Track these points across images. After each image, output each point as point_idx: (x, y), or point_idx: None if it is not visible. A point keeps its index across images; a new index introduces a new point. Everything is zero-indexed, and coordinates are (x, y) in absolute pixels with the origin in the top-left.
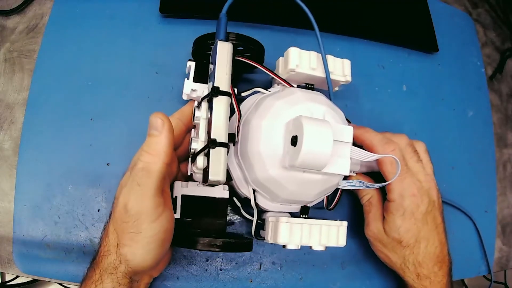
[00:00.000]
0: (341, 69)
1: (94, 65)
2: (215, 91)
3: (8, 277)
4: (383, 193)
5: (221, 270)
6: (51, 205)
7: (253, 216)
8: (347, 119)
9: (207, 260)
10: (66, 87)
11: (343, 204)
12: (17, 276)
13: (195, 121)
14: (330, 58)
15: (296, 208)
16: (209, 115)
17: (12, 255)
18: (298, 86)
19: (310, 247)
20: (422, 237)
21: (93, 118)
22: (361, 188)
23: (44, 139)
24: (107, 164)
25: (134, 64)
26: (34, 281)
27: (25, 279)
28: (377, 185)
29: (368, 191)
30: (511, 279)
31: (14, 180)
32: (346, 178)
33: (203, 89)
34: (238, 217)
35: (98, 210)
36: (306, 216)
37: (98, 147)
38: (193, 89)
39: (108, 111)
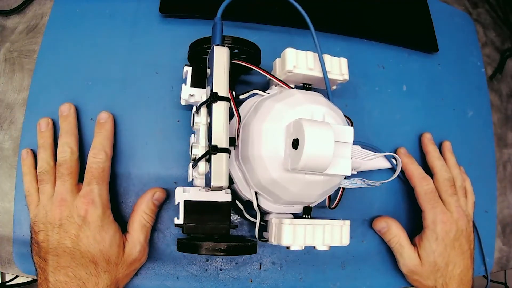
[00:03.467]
0: (338, 68)
1: (94, 65)
2: (214, 97)
3: (8, 277)
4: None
5: (221, 270)
6: None
7: (256, 218)
8: (348, 118)
9: (207, 260)
10: (66, 87)
11: (345, 203)
12: (17, 276)
13: (195, 127)
14: (327, 58)
15: (298, 209)
16: (208, 121)
17: (12, 255)
18: (296, 87)
19: (314, 247)
20: (450, 260)
21: (93, 118)
22: (362, 186)
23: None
24: None
25: (134, 64)
26: (34, 281)
27: (25, 279)
28: (378, 183)
29: (395, 234)
30: (511, 279)
31: (14, 180)
32: (347, 176)
33: (201, 94)
34: (241, 219)
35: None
36: (309, 217)
37: None
38: (191, 94)
39: (108, 111)
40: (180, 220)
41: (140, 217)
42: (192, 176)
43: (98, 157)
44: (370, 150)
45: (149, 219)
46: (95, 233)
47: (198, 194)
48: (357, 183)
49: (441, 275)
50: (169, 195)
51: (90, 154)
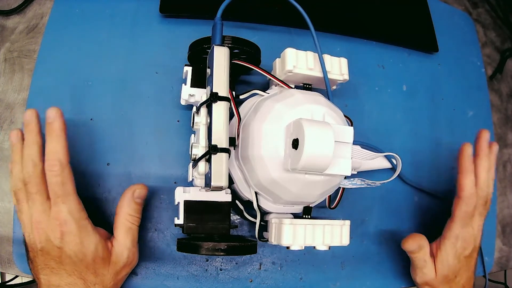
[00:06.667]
0: (338, 68)
1: (94, 65)
2: (214, 97)
3: (8, 277)
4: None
5: (221, 270)
6: None
7: (256, 218)
8: (348, 118)
9: (207, 260)
10: (66, 87)
11: (345, 203)
12: (16, 276)
13: (195, 127)
14: (327, 58)
15: (298, 209)
16: (208, 121)
17: (12, 255)
18: (296, 86)
19: (314, 247)
20: (458, 273)
21: (93, 118)
22: (362, 186)
23: (44, 139)
24: (107, 164)
25: (134, 64)
26: (34, 281)
27: (25, 279)
28: (378, 183)
29: (424, 252)
30: (511, 279)
31: None
32: (347, 176)
33: (201, 94)
34: (241, 219)
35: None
36: (309, 217)
37: (98, 147)
38: (191, 94)
39: (108, 111)
40: (180, 220)
41: (124, 220)
42: (192, 176)
43: (53, 169)
44: (370, 150)
45: (134, 220)
46: (76, 251)
47: (198, 194)
48: (357, 183)
49: (449, 286)
50: (149, 189)
51: (45, 166)
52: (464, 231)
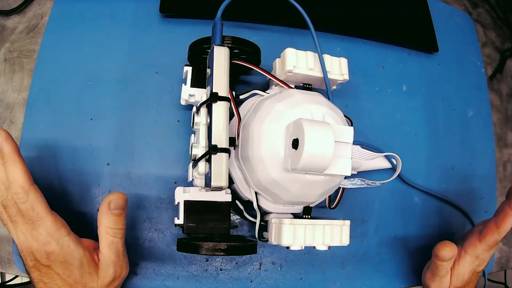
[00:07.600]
0: (338, 68)
1: (94, 65)
2: (214, 97)
3: (8, 277)
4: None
5: (221, 270)
6: (51, 205)
7: (256, 218)
8: (348, 118)
9: (207, 260)
10: (66, 87)
11: (345, 203)
12: (16, 276)
13: (195, 127)
14: (327, 58)
15: (298, 209)
16: (208, 121)
17: (12, 255)
18: (296, 87)
19: (314, 247)
20: (467, 284)
21: (93, 118)
22: (362, 186)
23: (44, 139)
24: (107, 164)
25: (134, 64)
26: None
27: (25, 279)
28: (378, 183)
29: (452, 262)
30: (511, 279)
31: None
32: (347, 176)
33: (201, 94)
34: (241, 219)
35: (98, 210)
36: (309, 217)
37: (98, 147)
38: (191, 94)
39: (108, 111)
40: (180, 220)
41: (105, 234)
42: (192, 176)
43: (18, 197)
44: (370, 150)
45: (115, 233)
46: (63, 269)
47: (198, 194)
48: (357, 183)
49: None
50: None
51: (12, 195)
52: (486, 253)
